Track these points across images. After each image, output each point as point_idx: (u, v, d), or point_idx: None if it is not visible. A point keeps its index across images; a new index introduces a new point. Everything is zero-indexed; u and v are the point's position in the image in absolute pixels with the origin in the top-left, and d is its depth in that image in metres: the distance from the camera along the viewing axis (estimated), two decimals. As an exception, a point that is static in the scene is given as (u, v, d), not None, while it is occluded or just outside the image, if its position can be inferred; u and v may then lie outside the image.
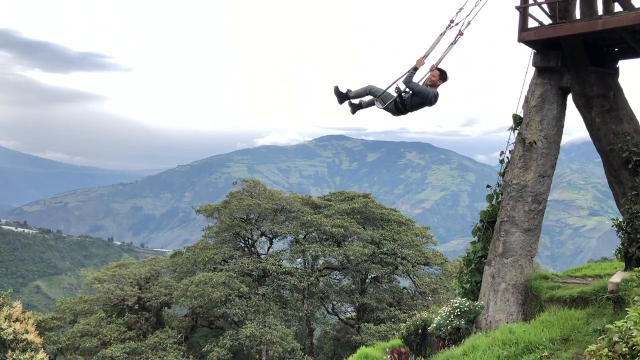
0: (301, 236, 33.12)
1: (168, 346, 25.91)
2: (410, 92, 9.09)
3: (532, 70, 11.27)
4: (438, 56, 9.37)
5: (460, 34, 9.47)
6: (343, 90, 9.73)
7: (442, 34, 9.31)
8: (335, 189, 45.33)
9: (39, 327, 24.20)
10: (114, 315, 27.78)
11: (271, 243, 33.52)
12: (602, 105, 10.55)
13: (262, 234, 33.07)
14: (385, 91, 9.28)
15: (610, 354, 4.50)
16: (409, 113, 9.50)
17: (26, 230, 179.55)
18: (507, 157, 11.66)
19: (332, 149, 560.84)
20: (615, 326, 4.58)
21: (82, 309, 28.73)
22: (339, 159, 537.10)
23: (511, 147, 11.60)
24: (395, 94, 9.16)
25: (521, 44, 10.69)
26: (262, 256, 32.47)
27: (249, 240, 32.92)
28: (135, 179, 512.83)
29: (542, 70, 11.01)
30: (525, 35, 10.37)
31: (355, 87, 9.77)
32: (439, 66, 9.31)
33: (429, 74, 9.30)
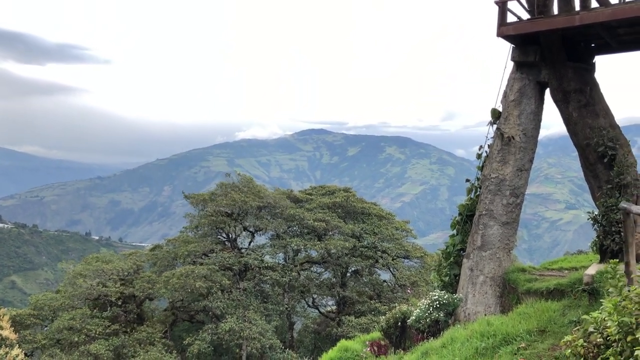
0: (282, 231, 33.09)
1: (156, 340, 25.79)
2: None
3: (511, 65, 11.36)
4: None
5: None
6: None
7: None
8: (316, 183, 45.45)
9: (13, 323, 23.74)
10: (95, 310, 27.50)
11: (253, 237, 33.42)
12: (579, 100, 10.69)
13: (245, 229, 32.94)
14: None
15: (585, 344, 4.57)
16: None
17: (1, 225, 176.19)
18: (486, 152, 11.76)
19: (312, 143, 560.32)
20: (591, 317, 4.65)
21: (61, 304, 28.29)
22: (320, 153, 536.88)
23: (490, 142, 11.69)
24: None
25: (501, 39, 10.77)
26: (244, 250, 32.34)
27: (231, 235, 32.75)
28: (113, 172, 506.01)
29: (521, 65, 11.10)
30: (504, 29, 10.45)
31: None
32: None
33: None
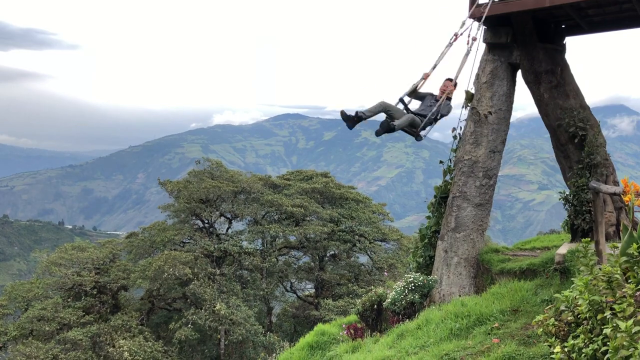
0: (260, 216, 32.97)
1: (133, 327, 25.54)
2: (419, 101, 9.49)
3: (483, 46, 11.37)
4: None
5: (474, 39, 9.81)
6: (352, 113, 9.15)
7: (447, 47, 9.72)
8: (292, 168, 45.33)
9: None
10: (69, 299, 27.06)
11: (230, 224, 33.22)
12: (550, 81, 10.77)
13: (222, 215, 32.72)
14: (402, 111, 9.39)
15: (556, 323, 4.62)
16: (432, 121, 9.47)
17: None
18: (459, 134, 11.80)
19: (288, 127, 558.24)
20: (562, 296, 4.70)
21: (35, 294, 27.78)
22: (296, 138, 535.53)
23: (463, 124, 11.73)
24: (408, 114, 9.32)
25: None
26: (222, 236, 32.16)
27: (208, 221, 32.49)
28: (86, 160, 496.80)
29: (493, 46, 11.12)
30: (476, 11, 10.42)
31: (367, 107, 9.48)
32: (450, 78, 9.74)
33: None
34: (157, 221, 32.97)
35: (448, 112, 9.58)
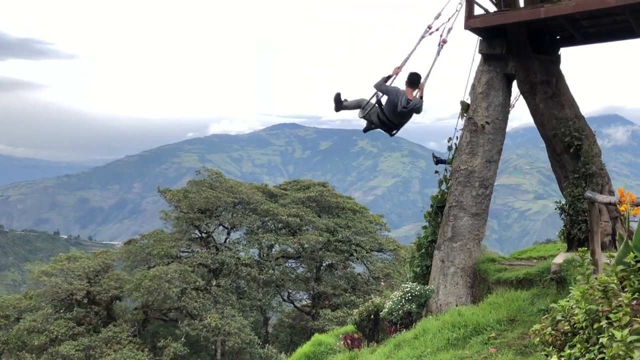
0: (256, 226, 32.92)
1: (122, 339, 25.25)
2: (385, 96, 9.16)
3: (479, 57, 11.45)
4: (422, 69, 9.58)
5: (444, 41, 9.77)
6: (342, 98, 9.65)
7: (419, 41, 9.61)
8: (289, 178, 45.36)
9: None
10: (62, 311, 26.78)
11: (229, 234, 33.15)
12: (545, 91, 10.84)
13: (220, 224, 32.65)
14: (368, 101, 9.39)
15: (553, 332, 4.62)
16: (398, 123, 9.48)
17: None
18: (456, 144, 11.85)
19: (284, 137, 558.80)
20: (559, 305, 4.71)
21: (27, 305, 27.54)
22: (292, 148, 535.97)
23: (459, 134, 11.78)
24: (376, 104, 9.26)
25: (468, 31, 10.83)
26: (219, 246, 32.04)
27: (206, 232, 32.39)
28: (82, 170, 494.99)
29: (488, 57, 11.19)
30: (472, 22, 10.50)
31: (350, 98, 9.82)
32: (404, 69, 9.34)
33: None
34: (156, 229, 32.82)
35: (403, 98, 9.03)
